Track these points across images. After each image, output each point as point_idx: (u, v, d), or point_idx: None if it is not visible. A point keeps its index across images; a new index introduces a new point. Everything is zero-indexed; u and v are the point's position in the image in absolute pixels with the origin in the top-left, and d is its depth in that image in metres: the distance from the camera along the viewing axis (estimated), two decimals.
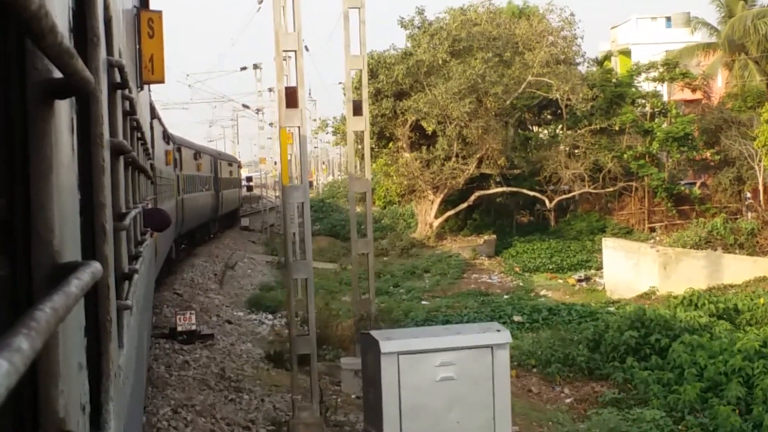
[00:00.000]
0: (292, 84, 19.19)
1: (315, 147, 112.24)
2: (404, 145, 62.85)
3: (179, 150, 41.21)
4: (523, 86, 63.77)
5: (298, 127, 19.56)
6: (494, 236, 64.79)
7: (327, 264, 57.38)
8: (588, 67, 70.12)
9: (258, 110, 70.57)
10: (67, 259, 2.64)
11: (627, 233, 64.46)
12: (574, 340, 29.20)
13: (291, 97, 18.25)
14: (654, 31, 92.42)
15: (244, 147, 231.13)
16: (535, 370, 27.37)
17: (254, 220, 75.63)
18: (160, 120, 28.14)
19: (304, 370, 19.50)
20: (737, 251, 48.79)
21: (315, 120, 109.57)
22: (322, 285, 48.24)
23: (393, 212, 75.68)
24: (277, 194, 78.04)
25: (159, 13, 12.69)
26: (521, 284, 54.89)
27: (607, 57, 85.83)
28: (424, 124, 60.28)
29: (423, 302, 47.52)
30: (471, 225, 70.19)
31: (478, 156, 61.71)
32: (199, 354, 23.47)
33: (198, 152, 53.30)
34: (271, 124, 76.60)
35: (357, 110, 22.90)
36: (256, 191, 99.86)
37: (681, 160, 65.80)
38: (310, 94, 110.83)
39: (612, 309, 43.61)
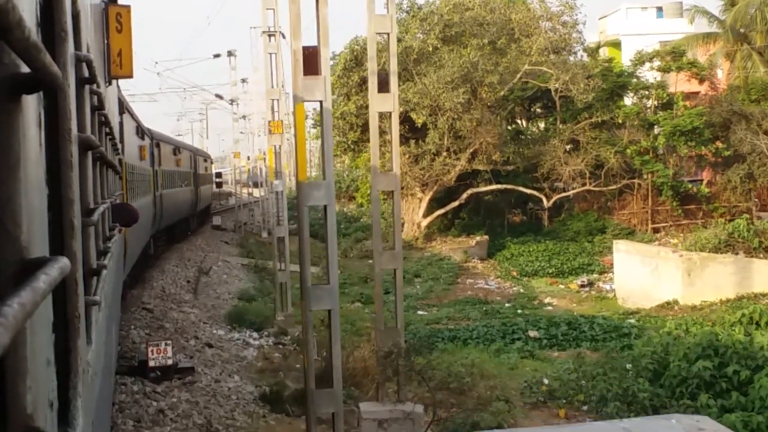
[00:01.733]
0: (311, 43, 14.13)
1: (287, 139, 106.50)
2: (391, 139, 58.02)
3: (158, 146, 40.93)
4: (518, 76, 59.19)
5: (320, 102, 14.62)
6: (486, 237, 60.20)
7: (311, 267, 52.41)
8: (580, 57, 65.42)
9: (232, 101, 65.52)
10: (34, 254, 2.63)
11: (629, 234, 59.99)
12: (628, 369, 24.23)
13: (310, 61, 13.45)
14: (645, 22, 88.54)
15: (212, 142, 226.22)
16: (586, 407, 22.48)
17: (225, 218, 70.41)
18: (132, 115, 27.71)
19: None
20: (761, 255, 44.15)
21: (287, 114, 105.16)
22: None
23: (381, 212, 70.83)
24: (251, 191, 72.83)
25: (127, 8, 12.48)
26: (522, 290, 50.33)
27: (596, 49, 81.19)
28: (413, 115, 55.59)
29: (419, 312, 42.80)
30: (459, 225, 65.48)
31: (470, 151, 56.97)
32: (177, 397, 18.50)
33: (177, 148, 52.31)
34: (244, 117, 71.70)
35: (383, 86, 17.98)
36: (225, 188, 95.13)
37: (687, 156, 61.29)
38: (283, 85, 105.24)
39: (633, 321, 39.14)
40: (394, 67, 18.04)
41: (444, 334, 34.62)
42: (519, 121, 68.78)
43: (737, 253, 44.11)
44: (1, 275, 2.28)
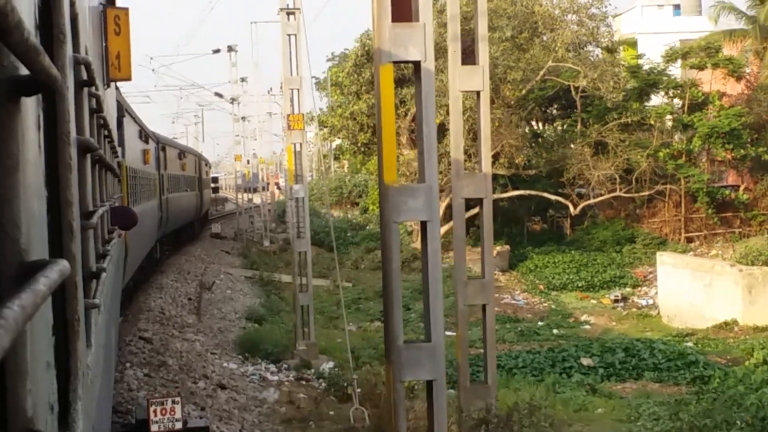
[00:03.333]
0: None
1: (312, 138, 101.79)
2: (405, 141, 53.49)
3: (164, 149, 40.60)
4: (541, 73, 54.77)
5: (419, 62, 10.12)
6: (507, 247, 55.71)
7: (318, 279, 48.06)
8: (597, 55, 60.88)
9: (233, 100, 60.82)
10: (34, 257, 2.62)
11: (660, 244, 55.61)
12: (733, 414, 19.64)
13: (401, 6, 8.91)
14: (661, 20, 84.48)
15: (207, 145, 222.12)
16: None
17: (224, 225, 65.71)
18: (135, 118, 27.05)
19: None
20: None
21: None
22: (320, 309, 39.48)
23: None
24: (251, 197, 68.16)
25: (125, 10, 11.91)
26: (553, 306, 46.02)
27: (614, 48, 76.79)
28: None
29: (447, 333, 38.22)
30: (475, 233, 60.91)
31: (492, 154, 52.40)
32: None
33: (182, 152, 51.46)
34: (244, 118, 66.97)
35: (468, 57, 13.49)
36: (221, 193, 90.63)
37: (724, 160, 56.90)
38: (281, 87, 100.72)
39: (690, 344, 34.79)
40: (483, 30, 13.56)
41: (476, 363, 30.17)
42: (534, 123, 64.17)
43: None
44: (1, 277, 2.27)
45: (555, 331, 39.21)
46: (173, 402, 14.18)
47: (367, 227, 64.31)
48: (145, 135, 31.18)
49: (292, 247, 26.21)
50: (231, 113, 65.53)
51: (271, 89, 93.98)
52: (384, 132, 10.41)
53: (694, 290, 39.21)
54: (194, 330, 27.88)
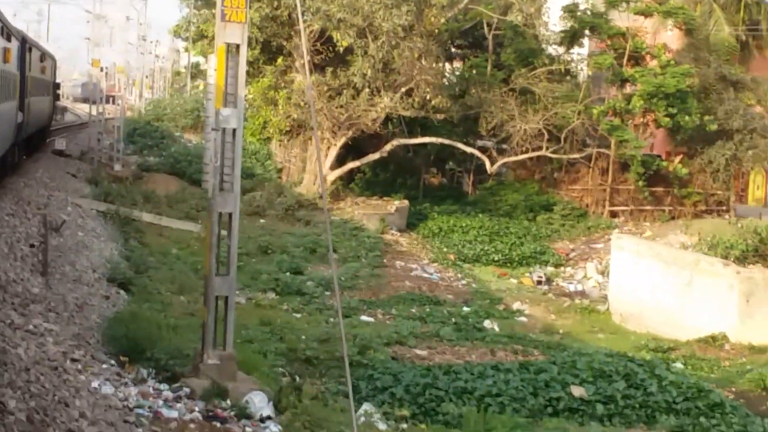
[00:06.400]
0: None
1: (142, 53, 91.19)
2: (299, 65, 44.40)
3: (30, 50, 38.21)
4: (465, 0, 46.57)
5: None
6: (406, 202, 47.54)
7: (185, 223, 39.05)
8: None
9: None
10: None
11: (581, 216, 48.54)
12: None
13: None
14: None
15: (49, 48, 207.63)
16: None
17: (68, 141, 55.17)
18: None
19: None
20: None
21: (141, 24, 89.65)
22: (192, 264, 31.01)
23: (249, 151, 56.22)
24: (101, 109, 57.59)
25: None
26: (474, 285, 38.05)
27: None
28: (335, 36, 42.13)
29: (362, 318, 29.87)
30: (361, 182, 52.44)
31: (404, 89, 43.89)
32: None
33: (43, 54, 47.10)
34: (101, 18, 56.57)
35: None
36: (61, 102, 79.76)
37: (647, 124, 49.79)
38: None
39: (678, 364, 27.14)
40: None
41: (441, 381, 21.85)
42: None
43: None
44: None
45: (486, 321, 31.28)
46: None
47: (244, 164, 54.70)
48: (7, 32, 28.66)
49: (211, 204, 16.85)
50: (87, 11, 55.63)
51: None
52: None
53: (665, 289, 31.70)
54: (43, 308, 18.65)
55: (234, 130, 16.47)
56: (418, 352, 25.48)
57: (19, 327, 16.62)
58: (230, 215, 16.96)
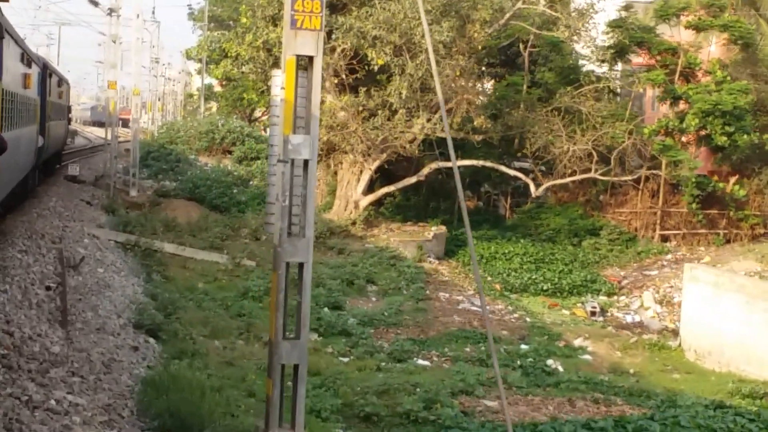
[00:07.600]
0: None
1: (155, 76, 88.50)
2: (329, 86, 41.47)
3: (51, 76, 39.09)
4: (507, 15, 43.73)
5: None
6: (444, 228, 44.59)
7: (211, 254, 36.12)
8: None
9: (111, 11, 47.91)
10: None
11: (629, 240, 45.54)
12: None
13: None
14: None
15: (61, 71, 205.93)
16: None
17: (81, 166, 52.27)
18: (17, 41, 25.42)
19: None
20: None
21: (154, 46, 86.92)
22: (221, 301, 28.18)
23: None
24: (117, 133, 54.84)
25: None
26: (527, 319, 35.16)
27: None
28: (370, 54, 39.16)
29: (418, 361, 26.87)
30: (391, 206, 49.27)
31: (446, 109, 40.84)
32: None
33: (60, 80, 47.87)
34: (115, 42, 53.91)
35: None
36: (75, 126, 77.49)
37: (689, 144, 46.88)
38: (153, 12, 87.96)
39: None
40: None
41: None
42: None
43: None
44: None
45: (549, 361, 28.25)
46: None
47: (251, 183, 51.42)
48: (27, 58, 28.90)
49: (277, 252, 13.46)
50: (101, 33, 52.86)
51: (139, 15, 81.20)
52: None
53: (750, 324, 28.59)
54: (65, 372, 15.62)
55: (306, 162, 13.33)
56: (488, 403, 22.41)
57: (39, 405, 13.60)
58: (301, 265, 13.70)
